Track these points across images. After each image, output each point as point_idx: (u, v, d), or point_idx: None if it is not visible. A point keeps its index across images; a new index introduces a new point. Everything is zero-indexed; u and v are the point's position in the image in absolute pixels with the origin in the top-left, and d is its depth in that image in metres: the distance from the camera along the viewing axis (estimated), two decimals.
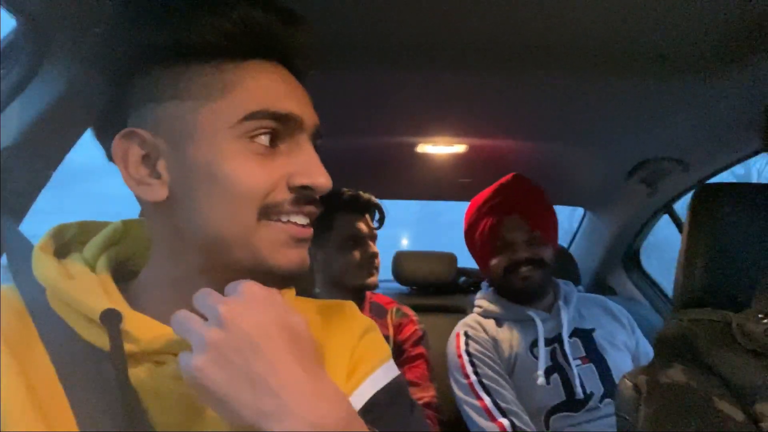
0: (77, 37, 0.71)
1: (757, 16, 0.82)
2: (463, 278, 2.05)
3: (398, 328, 1.48)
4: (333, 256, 1.43)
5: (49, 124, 0.73)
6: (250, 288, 0.42)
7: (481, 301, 1.46)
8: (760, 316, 0.65)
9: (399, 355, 1.44)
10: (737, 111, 1.15)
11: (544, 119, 1.35)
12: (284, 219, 0.49)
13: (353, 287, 1.44)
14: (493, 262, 1.38)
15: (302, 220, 0.51)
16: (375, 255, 1.47)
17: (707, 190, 0.82)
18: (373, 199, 1.52)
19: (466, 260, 2.12)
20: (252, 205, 0.48)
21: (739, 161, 1.39)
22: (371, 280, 1.45)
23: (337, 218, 1.44)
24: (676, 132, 1.33)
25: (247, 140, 0.48)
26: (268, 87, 0.50)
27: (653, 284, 2.03)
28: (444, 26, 0.88)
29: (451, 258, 1.96)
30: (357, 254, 1.43)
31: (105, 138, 0.52)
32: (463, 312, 1.79)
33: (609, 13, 0.83)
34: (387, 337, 1.51)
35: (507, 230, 1.35)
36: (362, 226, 1.47)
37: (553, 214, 1.42)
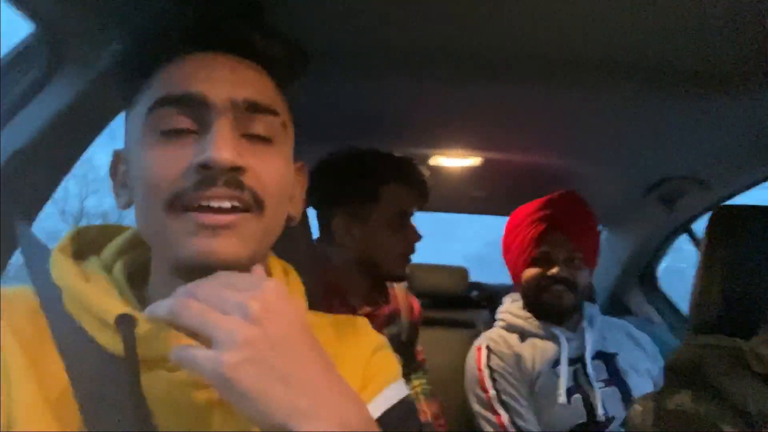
0: (92, 43, 0.72)
1: None
2: (474, 292, 2.03)
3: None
4: (375, 233, 1.13)
5: (62, 129, 0.74)
6: (275, 284, 0.41)
7: (506, 314, 1.44)
8: None
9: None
10: (760, 132, 1.12)
11: (562, 135, 1.34)
12: (195, 205, 0.46)
13: (386, 275, 1.19)
14: (528, 273, 1.35)
15: (216, 203, 0.46)
16: (419, 240, 1.20)
17: (725, 212, 0.80)
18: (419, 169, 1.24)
19: (478, 274, 2.10)
20: (157, 197, 0.46)
21: (760, 182, 1.36)
22: (404, 273, 1.20)
23: (386, 188, 1.14)
24: (696, 151, 1.31)
25: (156, 131, 0.47)
26: (178, 73, 0.48)
27: (671, 306, 1.98)
28: (462, 37, 0.88)
29: (463, 272, 1.95)
30: (403, 237, 1.17)
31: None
32: (472, 327, 1.77)
33: (632, 30, 0.82)
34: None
35: (548, 244, 1.32)
36: (413, 202, 1.19)
37: (598, 239, 1.40)
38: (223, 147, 0.44)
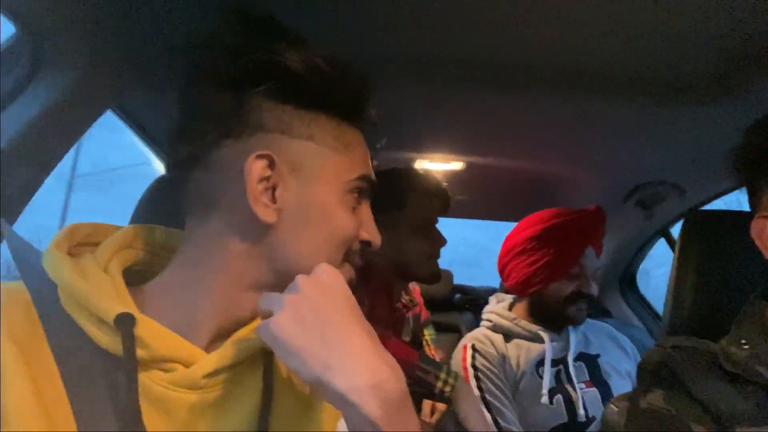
0: (73, 45, 0.72)
1: (755, 47, 0.83)
2: (458, 295, 2.05)
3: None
4: (403, 239, 1.25)
5: (44, 129, 0.74)
6: (325, 267, 0.48)
7: (492, 315, 1.44)
8: (742, 341, 0.65)
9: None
10: (733, 140, 1.16)
11: (543, 141, 1.36)
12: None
13: (420, 277, 1.30)
14: (558, 285, 1.33)
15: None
16: (444, 243, 1.31)
17: (698, 217, 0.82)
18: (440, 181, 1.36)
19: (461, 277, 2.12)
20: (342, 248, 0.55)
21: (734, 189, 1.39)
22: (438, 271, 1.31)
23: (412, 197, 1.26)
24: (673, 158, 1.34)
25: (350, 195, 0.55)
26: (365, 154, 0.58)
27: (649, 308, 2.02)
28: (446, 44, 0.89)
29: (447, 275, 1.96)
30: (429, 241, 1.28)
31: (200, 142, 0.53)
32: (457, 330, 1.78)
33: (611, 40, 0.84)
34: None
35: (586, 259, 1.32)
36: (436, 210, 1.31)
37: None
38: (379, 234, 0.59)
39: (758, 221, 0.69)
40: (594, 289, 1.33)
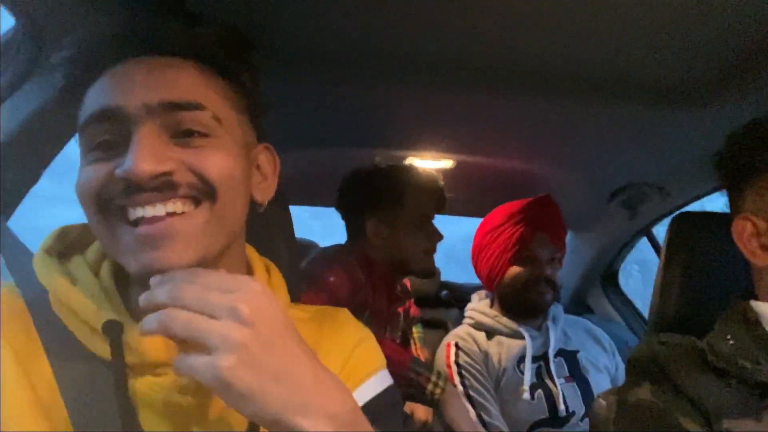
0: (72, 38, 0.71)
1: (740, 55, 0.85)
2: (444, 292, 2.07)
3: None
4: (401, 234, 1.28)
5: (42, 123, 0.73)
6: (259, 285, 0.42)
7: (474, 312, 1.48)
8: (727, 337, 0.68)
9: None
10: (714, 143, 1.19)
11: (531, 140, 1.38)
12: (131, 218, 0.46)
13: (417, 272, 1.34)
14: (513, 271, 1.39)
15: (149, 211, 0.45)
16: (441, 238, 1.35)
17: (685, 218, 0.85)
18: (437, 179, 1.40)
19: (448, 275, 2.15)
20: (89, 210, 0.47)
21: (715, 191, 1.44)
22: (434, 267, 1.35)
23: (409, 194, 1.29)
24: (657, 160, 1.37)
25: (87, 149, 0.48)
26: (99, 88, 0.49)
27: (629, 304, 2.07)
28: (436, 43, 0.90)
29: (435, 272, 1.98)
30: (426, 236, 1.32)
31: None
32: (443, 326, 1.80)
33: (598, 43, 0.86)
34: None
35: (536, 244, 1.38)
36: (432, 206, 1.35)
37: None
38: (140, 157, 0.44)
39: (738, 222, 0.71)
40: (550, 273, 1.38)
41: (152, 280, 0.43)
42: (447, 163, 1.59)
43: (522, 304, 1.40)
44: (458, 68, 0.98)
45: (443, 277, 2.03)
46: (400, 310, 1.38)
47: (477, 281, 1.55)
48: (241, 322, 0.38)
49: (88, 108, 0.48)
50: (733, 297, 0.73)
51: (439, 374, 1.16)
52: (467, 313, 1.51)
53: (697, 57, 0.88)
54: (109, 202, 0.46)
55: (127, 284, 0.53)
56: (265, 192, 0.58)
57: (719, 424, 0.60)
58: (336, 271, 1.15)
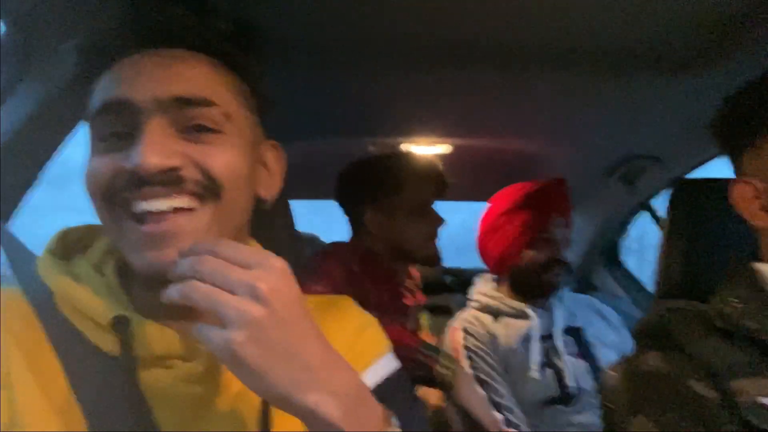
0: (63, 42, 0.71)
1: (731, 18, 0.85)
2: (448, 277, 2.08)
3: None
4: (401, 222, 1.26)
5: (36, 126, 0.73)
6: (281, 263, 0.42)
7: (479, 295, 1.49)
8: (731, 299, 0.69)
9: None
10: (711, 110, 1.19)
11: (526, 119, 1.38)
12: (136, 211, 0.45)
13: (419, 259, 1.31)
14: (530, 253, 1.39)
15: (154, 205, 0.45)
16: (442, 223, 1.32)
17: (686, 185, 0.85)
18: (437, 164, 1.36)
19: (449, 260, 2.14)
20: (95, 201, 0.48)
21: (713, 158, 1.44)
22: (438, 254, 1.32)
23: (407, 180, 1.27)
24: (653, 130, 1.37)
25: (96, 140, 0.48)
26: (110, 79, 0.48)
27: (633, 280, 2.08)
28: (425, 26, 0.90)
29: None
30: (426, 222, 1.29)
31: None
32: (448, 311, 1.81)
33: (590, 14, 0.85)
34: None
35: (555, 227, 1.38)
36: (431, 192, 1.31)
37: None
38: (148, 150, 0.44)
39: (738, 186, 0.71)
40: (563, 255, 1.39)
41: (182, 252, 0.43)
42: (442, 148, 1.59)
43: (538, 286, 1.40)
44: (448, 49, 0.97)
45: (445, 263, 2.03)
46: (410, 302, 1.35)
47: (478, 265, 1.55)
48: (258, 299, 0.39)
49: (99, 98, 0.48)
50: (733, 259, 0.74)
51: (447, 356, 1.16)
52: (473, 296, 1.51)
53: (688, 23, 0.88)
54: (116, 194, 0.46)
55: (130, 282, 0.53)
56: (271, 189, 0.58)
57: (728, 385, 0.60)
58: (326, 266, 1.14)
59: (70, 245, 0.54)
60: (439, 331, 1.52)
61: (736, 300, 0.68)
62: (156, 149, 0.44)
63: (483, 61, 1.02)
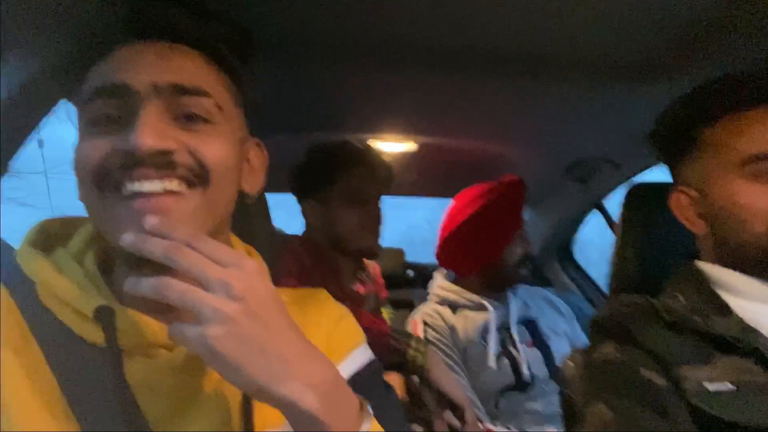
0: (41, 28, 0.69)
1: (685, 30, 0.90)
2: (410, 272, 2.12)
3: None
4: (334, 213, 1.26)
5: (7, 115, 0.71)
6: (254, 264, 0.43)
7: (439, 289, 1.53)
8: (675, 293, 0.75)
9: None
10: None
11: (488, 120, 1.42)
12: (128, 192, 0.46)
13: (354, 251, 1.29)
14: (509, 251, 1.44)
15: (147, 185, 0.46)
16: (380, 216, 1.32)
17: (639, 189, 0.91)
18: (381, 155, 1.36)
19: (413, 255, 2.18)
20: (86, 180, 0.48)
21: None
22: (374, 246, 1.31)
23: (339, 172, 1.27)
24: (607, 134, 1.44)
25: (89, 122, 0.49)
26: (107, 66, 0.50)
27: (585, 276, 2.17)
28: (391, 25, 0.91)
29: (399, 253, 2.01)
30: (361, 214, 1.27)
31: None
32: (410, 305, 1.84)
33: (549, 21, 0.88)
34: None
35: (527, 225, 1.46)
36: (368, 182, 1.30)
37: None
38: (144, 132, 0.45)
39: (674, 196, 0.78)
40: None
41: (147, 220, 0.43)
42: (408, 145, 1.62)
43: (510, 280, 1.47)
44: (412, 47, 0.99)
45: (407, 258, 2.07)
46: (362, 290, 1.36)
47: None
48: (232, 297, 0.40)
49: (94, 83, 0.49)
50: (679, 258, 0.80)
51: (418, 340, 1.19)
52: (432, 290, 1.56)
53: (645, 33, 0.92)
54: (107, 176, 0.47)
55: (111, 272, 0.53)
56: (254, 184, 0.60)
57: (676, 372, 0.66)
58: (285, 260, 1.16)
59: (50, 237, 0.54)
60: (401, 324, 1.55)
61: (680, 296, 0.74)
62: (152, 131, 0.46)
63: (450, 64, 1.05)
